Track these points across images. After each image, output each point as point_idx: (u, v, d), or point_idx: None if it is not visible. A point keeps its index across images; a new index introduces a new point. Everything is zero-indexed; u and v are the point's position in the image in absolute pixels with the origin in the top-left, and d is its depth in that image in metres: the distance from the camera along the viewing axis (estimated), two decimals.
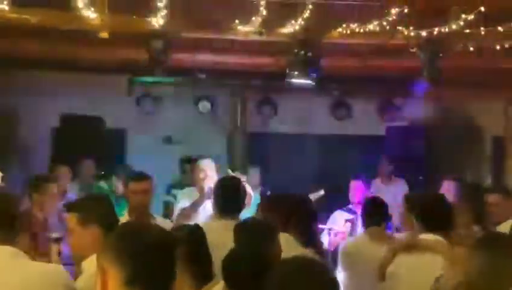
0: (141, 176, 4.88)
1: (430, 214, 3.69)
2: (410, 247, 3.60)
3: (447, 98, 9.32)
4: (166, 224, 4.36)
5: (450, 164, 8.57)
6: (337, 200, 6.52)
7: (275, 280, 1.77)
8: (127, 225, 2.47)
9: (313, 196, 7.35)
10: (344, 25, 6.58)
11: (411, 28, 6.61)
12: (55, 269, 2.53)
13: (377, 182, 7.74)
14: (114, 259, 1.75)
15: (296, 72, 6.89)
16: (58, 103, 8.74)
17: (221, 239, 3.60)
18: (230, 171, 6.13)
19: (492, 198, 4.84)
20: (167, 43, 7.00)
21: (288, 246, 3.38)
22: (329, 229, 6.10)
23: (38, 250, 3.32)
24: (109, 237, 1.89)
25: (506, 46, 6.76)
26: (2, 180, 5.22)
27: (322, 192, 7.02)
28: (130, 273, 1.71)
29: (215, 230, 3.96)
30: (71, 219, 2.96)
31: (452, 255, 3.05)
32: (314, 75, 6.96)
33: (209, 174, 5.71)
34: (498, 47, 6.80)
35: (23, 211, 3.20)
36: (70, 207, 3.11)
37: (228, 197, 4.51)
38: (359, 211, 6.11)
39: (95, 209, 3.03)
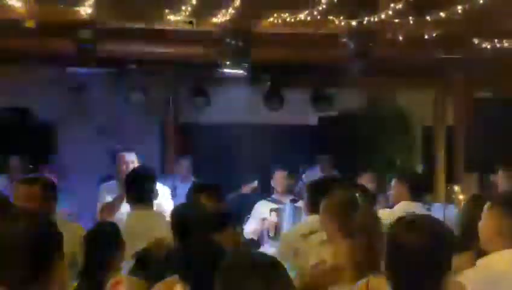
0: (31, 179, 4.11)
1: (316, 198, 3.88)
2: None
3: (377, 88, 9.58)
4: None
5: (382, 153, 8.83)
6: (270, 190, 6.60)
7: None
8: None
9: (247, 188, 7.48)
10: (275, 15, 6.61)
11: (341, 17, 6.71)
12: None
13: (316, 172, 7.91)
14: None
15: (227, 62, 6.91)
16: None
17: (135, 229, 3.78)
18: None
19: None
20: (95, 33, 6.92)
21: None
22: (263, 219, 6.20)
23: None
24: None
25: (434, 35, 7.03)
26: None
27: (255, 183, 7.11)
28: None
29: (128, 220, 4.38)
30: None
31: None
32: (246, 65, 7.00)
33: (132, 166, 5.72)
34: (426, 36, 7.04)
35: None
36: None
37: (141, 187, 4.56)
38: (284, 200, 6.26)
39: None
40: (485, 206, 3.07)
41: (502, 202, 3.11)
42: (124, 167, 5.78)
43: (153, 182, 4.71)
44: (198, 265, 2.77)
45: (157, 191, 4.77)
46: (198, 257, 2.85)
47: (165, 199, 5.38)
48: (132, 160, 5.90)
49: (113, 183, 5.88)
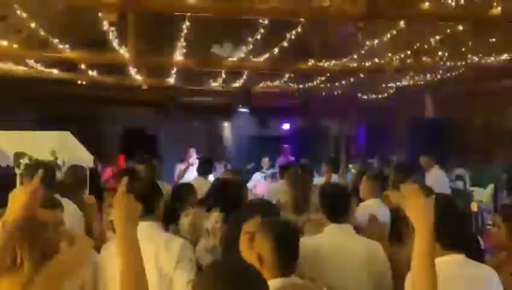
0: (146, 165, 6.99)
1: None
2: None
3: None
4: None
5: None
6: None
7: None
8: None
9: (249, 166, 13.36)
10: (263, 83, 12.43)
11: (296, 84, 12.56)
12: None
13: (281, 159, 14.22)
14: None
15: (240, 105, 13.20)
16: None
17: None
18: None
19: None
20: (175, 91, 13.50)
21: None
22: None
23: None
24: None
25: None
26: None
27: (252, 164, 13.29)
28: None
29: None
30: None
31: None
32: (248, 106, 13.26)
33: (193, 154, 10.93)
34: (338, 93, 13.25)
35: None
36: None
37: None
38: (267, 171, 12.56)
39: None
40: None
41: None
42: (189, 155, 10.60)
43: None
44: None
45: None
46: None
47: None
48: (193, 151, 10.81)
49: (183, 164, 10.64)
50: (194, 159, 10.35)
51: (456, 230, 2.76)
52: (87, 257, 2.70)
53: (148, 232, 3.04)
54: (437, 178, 8.19)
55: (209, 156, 8.82)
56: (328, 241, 3.50)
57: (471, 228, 3.33)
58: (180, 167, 10.49)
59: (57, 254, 2.42)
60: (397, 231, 4.11)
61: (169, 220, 4.54)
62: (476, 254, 3.79)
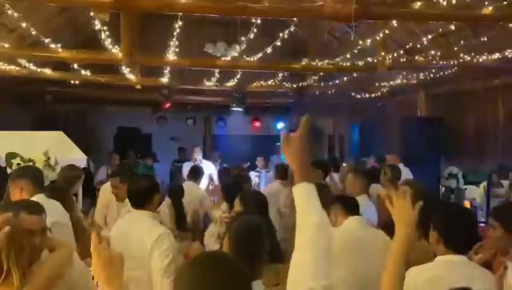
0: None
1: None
2: None
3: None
4: None
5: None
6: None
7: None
8: None
9: (245, 165, 13.51)
10: (256, 82, 12.52)
11: (289, 83, 12.66)
12: None
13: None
14: None
15: (234, 104, 13.28)
16: None
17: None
18: None
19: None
20: (170, 90, 13.52)
21: None
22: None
23: None
24: None
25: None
26: None
27: (248, 163, 13.30)
28: None
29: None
30: None
31: None
32: (243, 105, 13.32)
33: (198, 152, 11.67)
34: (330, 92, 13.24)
35: None
36: None
37: None
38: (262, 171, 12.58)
39: None
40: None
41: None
42: (195, 154, 10.85)
43: None
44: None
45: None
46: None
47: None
48: (198, 150, 11.08)
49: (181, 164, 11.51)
50: (200, 158, 10.68)
51: (459, 232, 2.96)
52: (68, 264, 2.67)
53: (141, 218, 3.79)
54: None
55: (199, 166, 8.92)
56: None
57: (476, 230, 3.38)
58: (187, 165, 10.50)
59: (38, 261, 2.39)
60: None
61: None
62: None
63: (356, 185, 5.30)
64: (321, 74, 11.63)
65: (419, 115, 12.55)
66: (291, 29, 7.68)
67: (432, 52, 8.93)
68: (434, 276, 2.85)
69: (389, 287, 2.36)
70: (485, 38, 8.16)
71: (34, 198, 3.71)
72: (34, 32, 7.73)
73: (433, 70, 10.24)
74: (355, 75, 11.17)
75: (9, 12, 6.80)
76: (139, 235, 3.69)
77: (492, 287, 2.92)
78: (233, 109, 13.51)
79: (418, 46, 8.83)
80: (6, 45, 8.49)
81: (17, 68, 10.41)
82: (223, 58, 9.98)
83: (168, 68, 10.71)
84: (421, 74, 10.74)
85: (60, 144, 6.91)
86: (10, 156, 6.09)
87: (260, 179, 11.45)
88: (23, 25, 7.39)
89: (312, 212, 1.91)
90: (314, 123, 15.95)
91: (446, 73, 10.08)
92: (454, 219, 3.06)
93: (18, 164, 6.05)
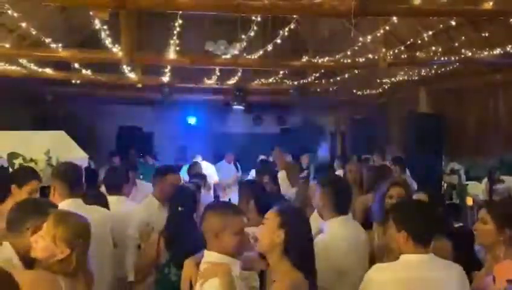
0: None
1: None
2: None
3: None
4: None
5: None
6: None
7: None
8: None
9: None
10: (257, 80, 12.53)
11: (291, 81, 12.59)
12: None
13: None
14: None
15: (235, 102, 13.23)
16: None
17: None
18: None
19: None
20: (170, 89, 13.35)
21: None
22: None
23: None
24: None
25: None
26: None
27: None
28: None
29: None
30: None
31: None
32: (243, 104, 13.29)
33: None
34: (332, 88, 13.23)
35: None
36: None
37: None
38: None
39: None
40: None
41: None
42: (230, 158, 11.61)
43: None
44: None
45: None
46: None
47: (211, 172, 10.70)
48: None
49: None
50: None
51: (422, 228, 2.85)
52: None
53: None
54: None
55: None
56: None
57: (441, 225, 3.32)
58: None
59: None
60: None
61: None
62: (466, 247, 3.84)
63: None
64: (322, 71, 11.55)
65: (420, 111, 12.51)
66: (291, 27, 7.66)
67: (433, 48, 8.91)
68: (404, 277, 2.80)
69: None
70: (486, 34, 8.15)
71: (64, 203, 3.65)
72: (34, 32, 7.73)
73: (434, 66, 10.22)
74: (356, 71, 11.16)
75: (9, 12, 6.79)
76: None
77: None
78: (234, 107, 13.45)
79: (419, 42, 8.81)
80: (7, 45, 8.49)
81: (17, 68, 10.42)
82: (224, 57, 9.94)
83: (169, 67, 10.66)
84: (422, 70, 10.72)
85: (61, 143, 6.84)
86: (12, 156, 6.06)
87: None
88: (23, 25, 7.39)
89: None
90: (314, 122, 16.11)
91: (447, 69, 10.07)
92: (415, 213, 2.97)
93: (20, 164, 6.01)
